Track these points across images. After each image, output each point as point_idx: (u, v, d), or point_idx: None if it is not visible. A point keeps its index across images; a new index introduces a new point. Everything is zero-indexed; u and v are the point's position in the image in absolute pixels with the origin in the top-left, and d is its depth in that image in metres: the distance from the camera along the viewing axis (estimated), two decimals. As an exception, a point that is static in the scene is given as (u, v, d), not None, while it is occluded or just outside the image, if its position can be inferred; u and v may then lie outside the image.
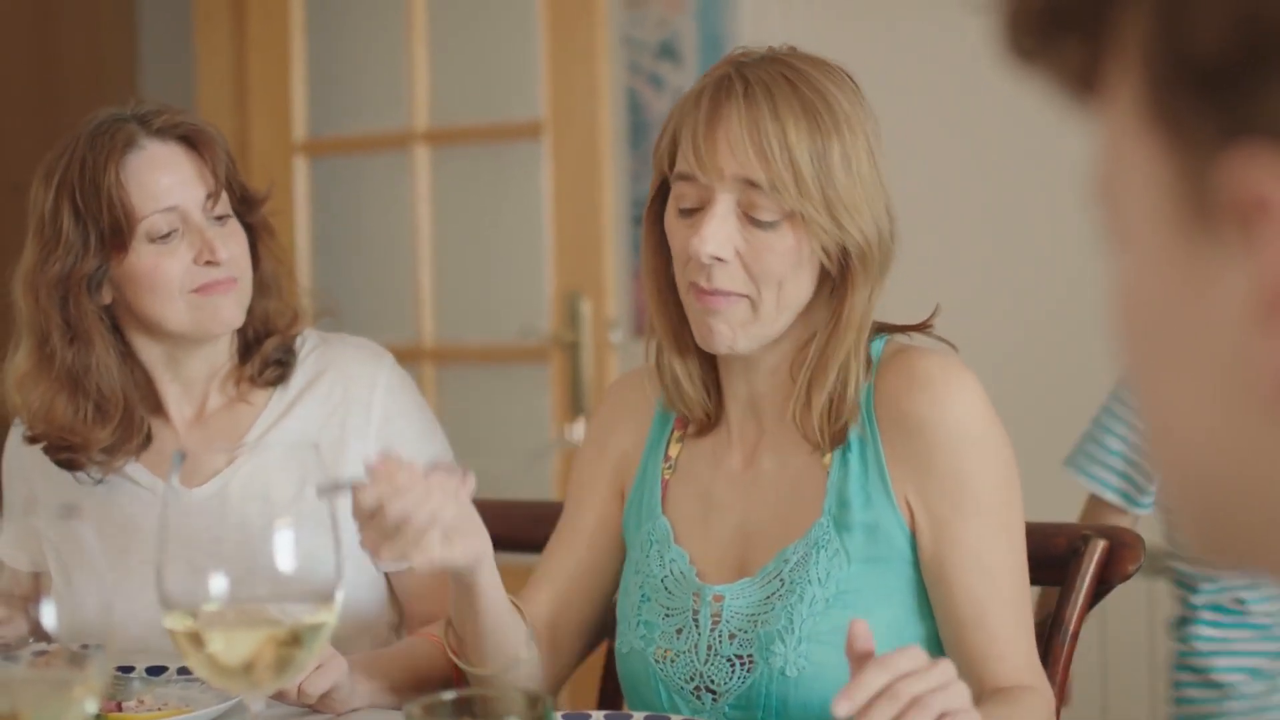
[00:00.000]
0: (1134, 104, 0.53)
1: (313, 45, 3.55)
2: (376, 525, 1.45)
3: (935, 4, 2.88)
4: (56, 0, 4.38)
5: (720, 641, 1.59)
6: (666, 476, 1.70)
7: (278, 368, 1.96)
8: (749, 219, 1.53)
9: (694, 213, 1.56)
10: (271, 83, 3.54)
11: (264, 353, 1.95)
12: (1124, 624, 2.75)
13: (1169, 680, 2.28)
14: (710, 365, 1.68)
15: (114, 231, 1.84)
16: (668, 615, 1.63)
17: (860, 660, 1.27)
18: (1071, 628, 1.66)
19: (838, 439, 1.58)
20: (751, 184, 1.52)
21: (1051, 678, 1.66)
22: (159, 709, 1.64)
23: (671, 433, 1.72)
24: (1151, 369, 0.55)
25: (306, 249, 3.54)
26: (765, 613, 1.56)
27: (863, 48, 3.01)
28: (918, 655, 1.26)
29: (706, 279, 1.54)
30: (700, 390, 1.67)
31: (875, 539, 1.55)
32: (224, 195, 1.90)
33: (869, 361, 1.59)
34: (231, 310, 1.89)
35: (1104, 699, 2.80)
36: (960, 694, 1.26)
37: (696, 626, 1.61)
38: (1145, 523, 2.23)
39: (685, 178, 1.56)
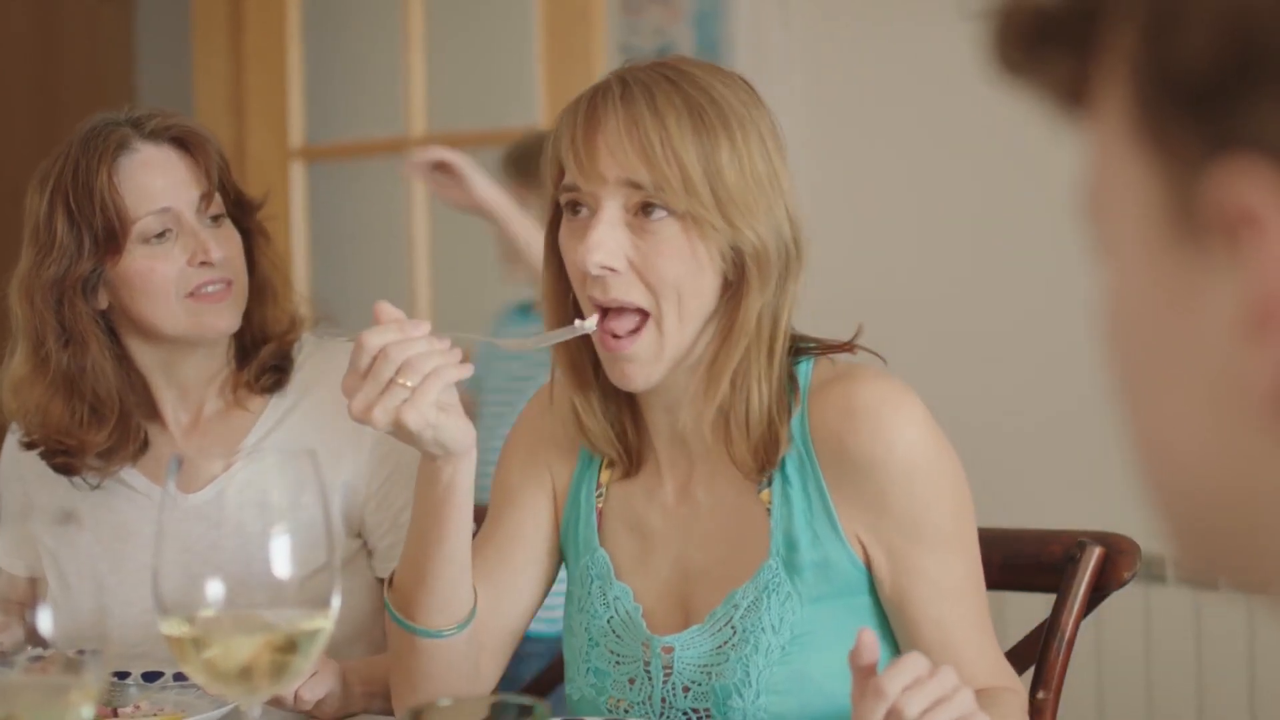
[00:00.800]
0: (1121, 117, 0.53)
1: (310, 52, 3.56)
2: (373, 377, 1.40)
3: (931, 11, 2.89)
4: (55, 9, 4.39)
5: (674, 694, 1.53)
6: (600, 505, 1.63)
7: (274, 374, 1.96)
8: (639, 224, 1.46)
9: (583, 225, 1.48)
10: (269, 89, 3.55)
11: (260, 359, 1.95)
12: (1120, 630, 2.75)
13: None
14: (624, 400, 1.60)
15: (108, 234, 1.85)
16: (618, 663, 1.57)
17: (863, 673, 1.25)
18: (1067, 634, 1.65)
19: (766, 464, 1.50)
20: (636, 186, 1.44)
21: (1047, 685, 1.65)
22: (155, 715, 1.64)
23: (603, 458, 1.64)
24: (1140, 382, 0.55)
25: (304, 254, 3.54)
26: (719, 664, 1.51)
27: (858, 55, 3.02)
28: (919, 664, 1.23)
29: (602, 291, 1.47)
30: (603, 424, 1.59)
31: (827, 576, 1.49)
32: (218, 197, 1.91)
33: (794, 384, 1.52)
34: (228, 316, 1.89)
35: (1100, 706, 2.80)
36: (964, 701, 1.24)
37: (649, 678, 1.55)
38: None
39: (570, 189, 1.48)
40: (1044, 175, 2.75)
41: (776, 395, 1.51)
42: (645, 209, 1.46)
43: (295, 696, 1.63)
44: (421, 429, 1.43)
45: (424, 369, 1.41)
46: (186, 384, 1.95)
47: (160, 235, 1.87)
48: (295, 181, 3.53)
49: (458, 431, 1.46)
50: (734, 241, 1.46)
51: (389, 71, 3.47)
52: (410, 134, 3.42)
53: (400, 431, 1.43)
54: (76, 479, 1.93)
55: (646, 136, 1.44)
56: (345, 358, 1.93)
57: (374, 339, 1.41)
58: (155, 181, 1.87)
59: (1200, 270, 0.51)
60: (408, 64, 3.41)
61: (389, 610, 1.58)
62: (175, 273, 1.86)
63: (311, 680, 1.63)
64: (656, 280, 1.46)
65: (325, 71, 3.58)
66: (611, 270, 1.46)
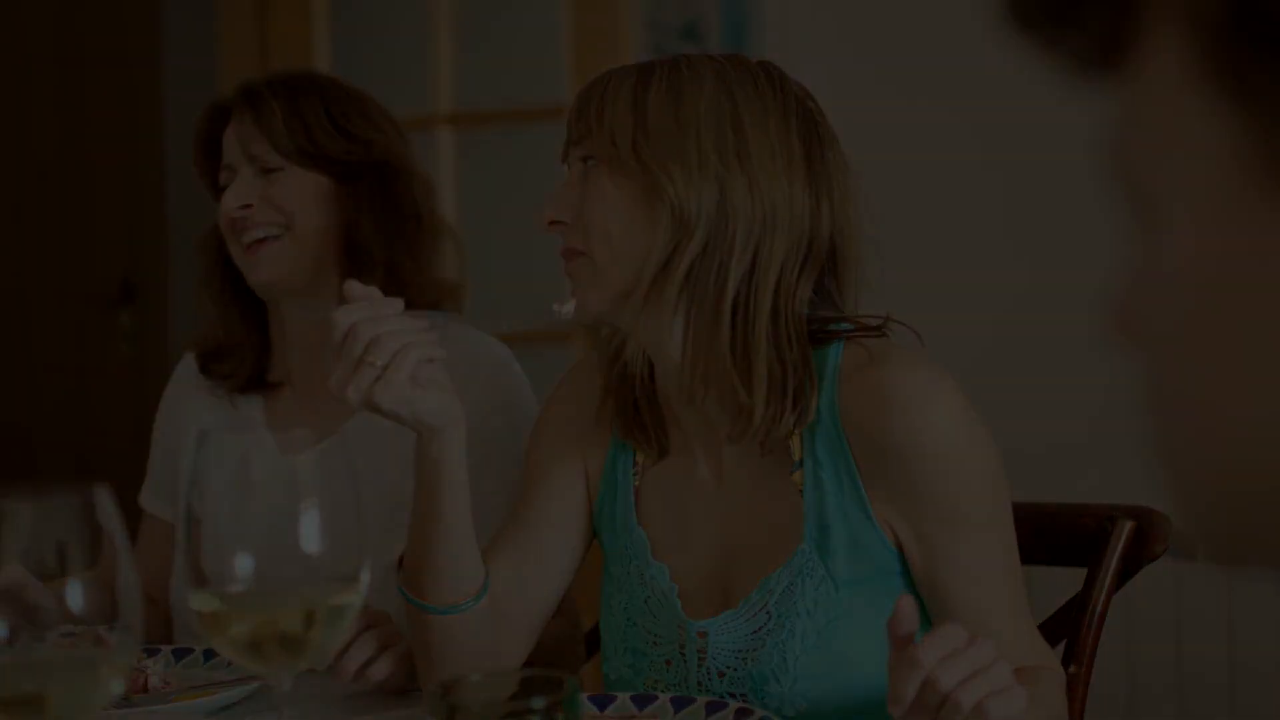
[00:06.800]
0: (1182, 64, 0.51)
1: (336, 28, 3.56)
2: (345, 355, 1.42)
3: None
4: (79, -4, 4.39)
5: (709, 679, 1.52)
6: (637, 484, 1.62)
7: None
8: (585, 175, 1.50)
9: None
10: (295, 63, 3.54)
11: None
12: (1150, 606, 2.74)
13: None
14: (644, 390, 1.60)
15: (211, 184, 1.98)
16: (655, 644, 1.57)
17: (901, 643, 1.23)
18: (1099, 609, 1.65)
19: (780, 438, 1.49)
20: (576, 141, 1.51)
21: (1079, 659, 1.65)
22: (187, 689, 1.65)
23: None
24: (1204, 346, 0.53)
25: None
26: (754, 649, 1.50)
27: (888, 30, 3.00)
28: (957, 635, 1.22)
29: (562, 242, 1.53)
30: (624, 405, 1.60)
31: (858, 558, 1.48)
32: (272, 153, 1.91)
33: (823, 365, 1.50)
34: (262, 269, 1.91)
35: (1130, 681, 2.80)
36: (1001, 673, 1.22)
37: (684, 661, 1.54)
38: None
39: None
40: (1073, 146, 2.73)
41: (780, 370, 1.48)
42: (585, 161, 1.51)
43: (364, 675, 1.62)
44: (395, 406, 1.43)
45: (391, 347, 1.42)
46: (298, 341, 1.96)
47: (225, 186, 1.94)
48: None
49: (436, 406, 1.46)
50: (656, 186, 1.46)
51: (416, 48, 3.47)
52: (438, 111, 3.42)
53: (375, 410, 1.44)
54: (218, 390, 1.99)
55: (591, 92, 1.50)
56: (466, 345, 1.89)
57: (343, 317, 1.43)
58: (228, 137, 1.94)
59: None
60: (435, 41, 3.41)
61: (399, 589, 1.58)
62: (226, 221, 1.93)
63: (381, 660, 1.61)
64: (587, 225, 1.49)
65: (351, 49, 3.58)
66: (561, 223, 1.51)
